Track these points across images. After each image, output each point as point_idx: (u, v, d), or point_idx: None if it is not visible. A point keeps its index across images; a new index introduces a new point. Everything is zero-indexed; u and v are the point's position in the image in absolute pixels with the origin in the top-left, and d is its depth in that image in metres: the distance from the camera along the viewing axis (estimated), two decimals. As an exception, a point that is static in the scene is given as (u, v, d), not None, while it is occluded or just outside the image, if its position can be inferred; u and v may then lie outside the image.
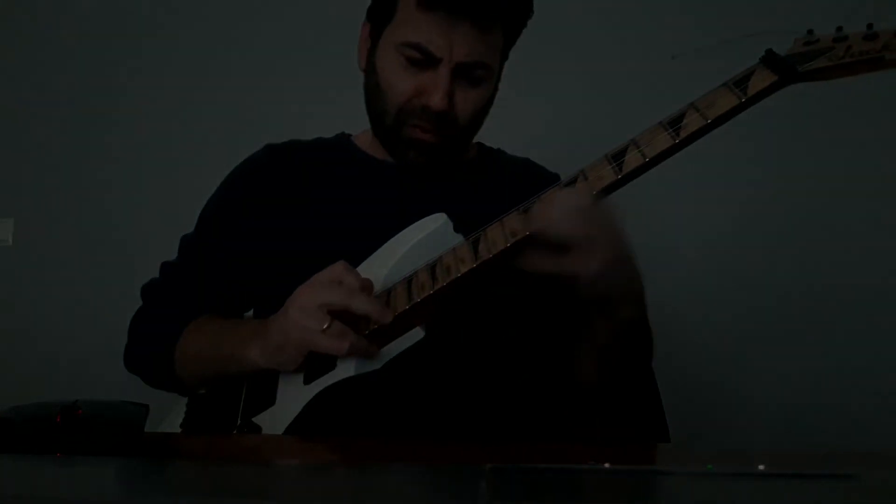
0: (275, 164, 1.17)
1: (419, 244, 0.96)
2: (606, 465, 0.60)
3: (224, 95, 1.83)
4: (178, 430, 1.05)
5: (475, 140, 1.22)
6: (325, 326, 0.89)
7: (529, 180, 1.17)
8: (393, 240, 0.99)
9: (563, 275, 0.86)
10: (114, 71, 1.88)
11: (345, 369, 0.92)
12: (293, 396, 0.94)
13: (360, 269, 0.97)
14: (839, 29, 0.87)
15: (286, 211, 1.12)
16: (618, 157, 0.89)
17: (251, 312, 1.18)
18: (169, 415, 1.11)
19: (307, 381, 0.95)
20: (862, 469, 0.63)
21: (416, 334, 0.92)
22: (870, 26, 0.84)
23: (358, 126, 1.21)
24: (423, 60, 1.03)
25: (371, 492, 0.53)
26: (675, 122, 0.87)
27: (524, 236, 0.88)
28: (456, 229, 0.96)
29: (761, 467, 0.58)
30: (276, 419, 0.95)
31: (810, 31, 0.88)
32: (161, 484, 0.59)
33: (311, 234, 1.10)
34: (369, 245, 1.00)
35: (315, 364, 0.95)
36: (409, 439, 0.94)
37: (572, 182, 0.90)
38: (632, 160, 0.88)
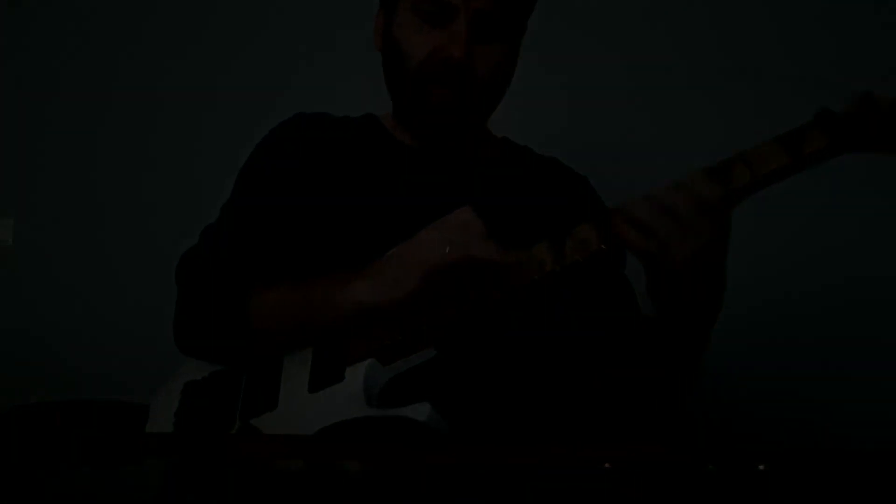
0: (306, 133, 1.16)
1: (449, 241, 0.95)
2: (606, 465, 0.60)
3: (231, 94, 1.82)
4: (172, 419, 1.00)
5: (502, 134, 1.20)
6: (446, 250, 0.88)
7: (556, 181, 1.18)
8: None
9: (645, 255, 0.87)
10: (116, 68, 1.88)
11: (353, 380, 0.90)
12: (298, 404, 0.92)
13: None
14: None
15: (313, 182, 1.10)
16: None
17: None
18: (157, 396, 1.05)
19: (313, 389, 0.93)
20: (860, 468, 0.63)
21: (428, 352, 0.91)
22: None
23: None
24: (438, 13, 1.03)
25: (371, 492, 0.53)
26: (722, 173, 0.85)
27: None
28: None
29: (761, 467, 0.58)
30: (278, 426, 0.92)
31: (868, 93, 0.83)
32: (163, 486, 0.59)
33: (335, 211, 1.08)
34: (389, 229, 0.98)
35: (322, 371, 0.93)
36: (410, 440, 0.93)
37: (605, 216, 0.89)
38: None
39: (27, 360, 1.77)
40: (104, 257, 1.82)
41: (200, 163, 1.78)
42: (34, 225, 1.87)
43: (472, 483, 0.56)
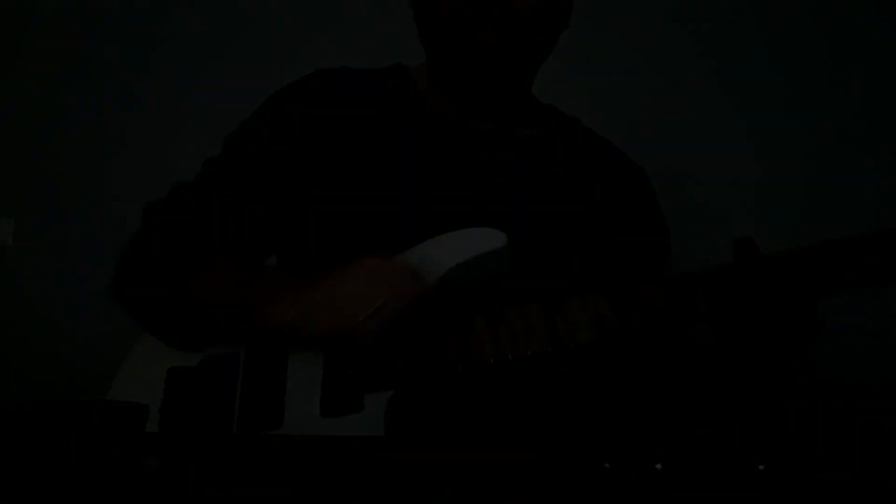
0: (325, 91, 1.01)
1: (473, 262, 0.81)
2: (606, 465, 0.60)
3: (233, 89, 1.82)
4: (157, 415, 0.90)
5: (547, 101, 1.07)
6: (367, 313, 0.76)
7: (615, 170, 1.05)
8: (435, 243, 0.84)
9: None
10: (116, 68, 1.88)
11: (373, 410, 0.80)
12: (309, 426, 0.83)
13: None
14: None
15: (330, 148, 0.97)
16: None
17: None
18: (120, 378, 0.98)
19: (327, 414, 0.82)
20: (861, 467, 0.63)
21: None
22: None
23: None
24: None
25: (371, 492, 0.53)
26: (811, 265, 0.75)
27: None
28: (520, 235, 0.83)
29: (761, 467, 0.58)
30: None
31: None
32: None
33: (354, 185, 0.95)
34: (411, 214, 0.90)
35: (337, 396, 0.82)
36: (413, 442, 0.91)
37: (678, 284, 0.76)
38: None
39: (27, 360, 1.77)
40: (105, 257, 1.82)
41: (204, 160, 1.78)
42: (34, 225, 1.87)
43: (471, 483, 0.56)
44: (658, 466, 0.59)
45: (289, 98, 1.01)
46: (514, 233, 0.82)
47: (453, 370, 0.80)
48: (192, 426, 0.87)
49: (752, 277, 0.75)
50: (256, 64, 1.81)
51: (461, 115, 1.00)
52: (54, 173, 1.87)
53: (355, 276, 0.79)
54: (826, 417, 1.57)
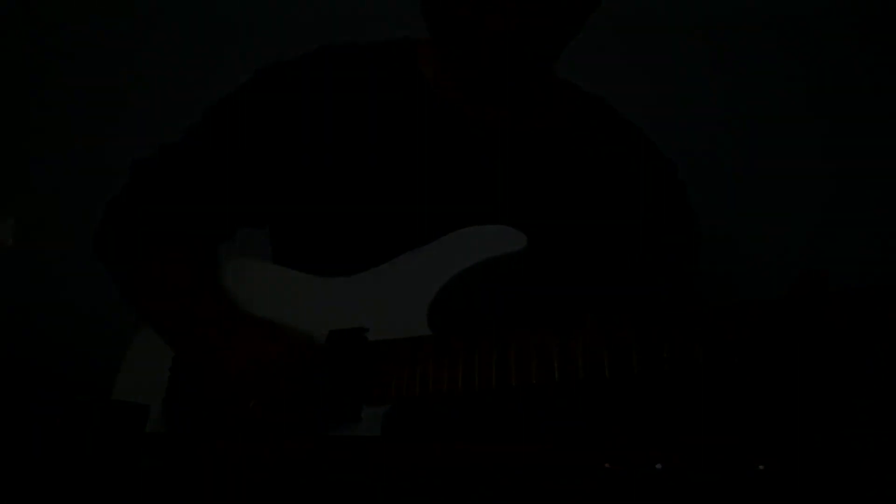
0: (326, 80, 0.94)
1: (489, 264, 0.77)
2: (606, 465, 0.60)
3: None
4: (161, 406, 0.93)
5: (567, 78, 1.00)
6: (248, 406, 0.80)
7: (643, 165, 0.97)
8: (456, 238, 0.80)
9: None
10: (116, 67, 1.88)
11: (371, 422, 0.79)
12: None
13: (409, 260, 0.81)
14: None
15: (333, 143, 0.91)
16: None
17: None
18: (126, 371, 1.03)
19: (324, 422, 0.83)
20: (860, 469, 0.63)
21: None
22: None
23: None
24: None
25: (371, 492, 0.53)
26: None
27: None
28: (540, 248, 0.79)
29: (761, 467, 0.58)
30: None
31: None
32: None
33: (361, 185, 0.90)
34: (424, 213, 0.86)
35: (336, 405, 0.81)
36: (411, 442, 0.91)
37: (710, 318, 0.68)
38: None
39: (26, 361, 1.77)
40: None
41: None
42: (34, 225, 1.87)
43: (471, 483, 0.56)
44: (658, 466, 0.59)
45: (285, 82, 0.96)
46: (533, 233, 0.78)
47: (453, 389, 0.77)
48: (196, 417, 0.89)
49: (813, 317, 0.65)
50: (262, 50, 1.81)
51: (472, 101, 0.93)
52: (54, 173, 1.87)
53: (245, 351, 0.83)
54: (826, 417, 1.56)
